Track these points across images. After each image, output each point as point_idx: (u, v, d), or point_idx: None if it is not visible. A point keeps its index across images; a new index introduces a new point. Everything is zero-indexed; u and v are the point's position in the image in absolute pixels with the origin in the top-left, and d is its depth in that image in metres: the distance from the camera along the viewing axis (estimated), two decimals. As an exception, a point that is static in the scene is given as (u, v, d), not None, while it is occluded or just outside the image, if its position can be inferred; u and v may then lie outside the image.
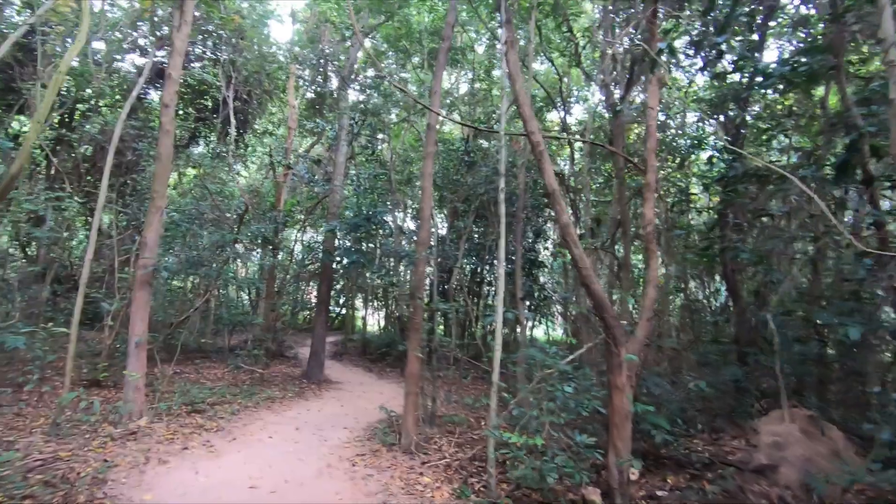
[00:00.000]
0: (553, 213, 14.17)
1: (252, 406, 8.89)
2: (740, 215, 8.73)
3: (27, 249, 15.14)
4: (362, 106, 13.25)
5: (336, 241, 12.18)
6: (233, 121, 12.22)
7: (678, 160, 10.15)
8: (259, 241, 14.69)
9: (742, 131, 9.62)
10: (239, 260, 14.88)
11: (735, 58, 7.78)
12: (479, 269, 16.20)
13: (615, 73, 8.65)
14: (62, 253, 16.14)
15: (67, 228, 16.51)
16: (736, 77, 9.19)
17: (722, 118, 9.95)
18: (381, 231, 12.24)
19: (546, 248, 16.24)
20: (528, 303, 14.94)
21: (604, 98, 8.86)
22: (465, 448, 6.80)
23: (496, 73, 15.49)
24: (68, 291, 13.40)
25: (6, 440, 6.29)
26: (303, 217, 16.83)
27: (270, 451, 6.61)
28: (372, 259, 11.78)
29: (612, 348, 4.64)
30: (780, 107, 9.57)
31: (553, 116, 16.55)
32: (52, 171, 16.11)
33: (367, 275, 17.24)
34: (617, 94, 9.37)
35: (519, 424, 4.96)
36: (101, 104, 16.88)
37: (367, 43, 16.43)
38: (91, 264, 7.29)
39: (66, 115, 15.75)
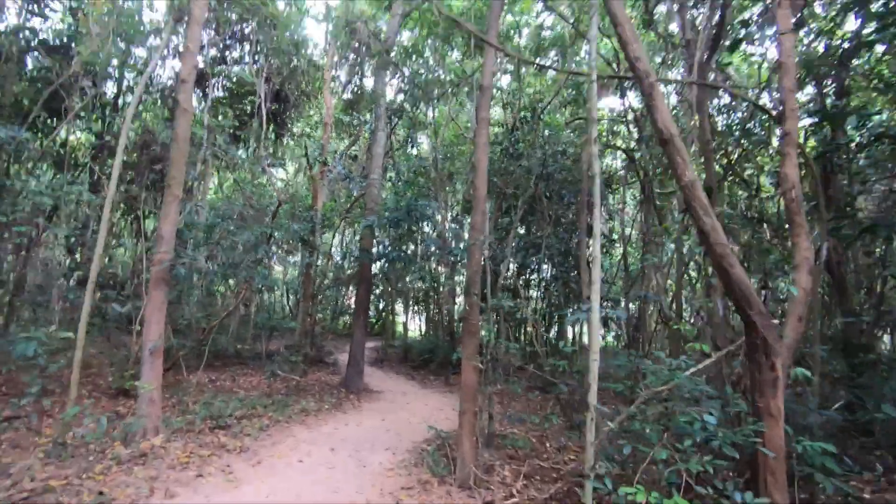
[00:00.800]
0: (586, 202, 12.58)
1: (284, 420, 7.77)
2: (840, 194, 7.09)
3: (75, 256, 14.78)
4: (403, 91, 12.12)
5: (374, 240, 11.05)
6: (264, 112, 11.23)
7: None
8: (296, 242, 13.78)
9: (842, 100, 7.91)
10: (275, 261, 14.01)
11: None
12: (524, 269, 14.74)
13: (698, 31, 7.14)
14: (107, 259, 15.77)
15: (113, 234, 16.06)
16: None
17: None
18: (422, 227, 11.02)
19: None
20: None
21: (685, 59, 7.34)
22: (535, 481, 5.41)
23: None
24: (115, 296, 12.79)
25: (4, 461, 5.36)
26: (340, 219, 15.82)
27: (300, 478, 5.42)
28: (412, 259, 10.54)
29: (760, 358, 3.20)
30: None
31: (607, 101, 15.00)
32: (95, 178, 15.72)
33: (408, 278, 16.07)
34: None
35: (625, 463, 3.55)
36: (141, 109, 16.49)
37: (405, 34, 15.41)
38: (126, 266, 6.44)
39: (108, 121, 15.35)
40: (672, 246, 12.89)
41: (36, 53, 13.41)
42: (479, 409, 5.84)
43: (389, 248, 10.21)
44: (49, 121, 13.85)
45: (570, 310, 13.02)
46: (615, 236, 14.70)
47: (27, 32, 14.49)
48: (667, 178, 11.82)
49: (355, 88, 18.83)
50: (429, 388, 11.97)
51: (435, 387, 12.26)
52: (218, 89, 19.40)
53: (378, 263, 10.43)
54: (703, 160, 6.39)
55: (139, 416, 6.02)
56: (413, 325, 26.64)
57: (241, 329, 16.53)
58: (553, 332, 17.17)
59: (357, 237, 18.29)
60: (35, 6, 14.42)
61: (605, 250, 14.02)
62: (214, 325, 10.99)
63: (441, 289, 16.88)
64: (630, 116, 11.85)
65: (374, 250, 10.79)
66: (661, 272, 9.05)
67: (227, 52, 18.57)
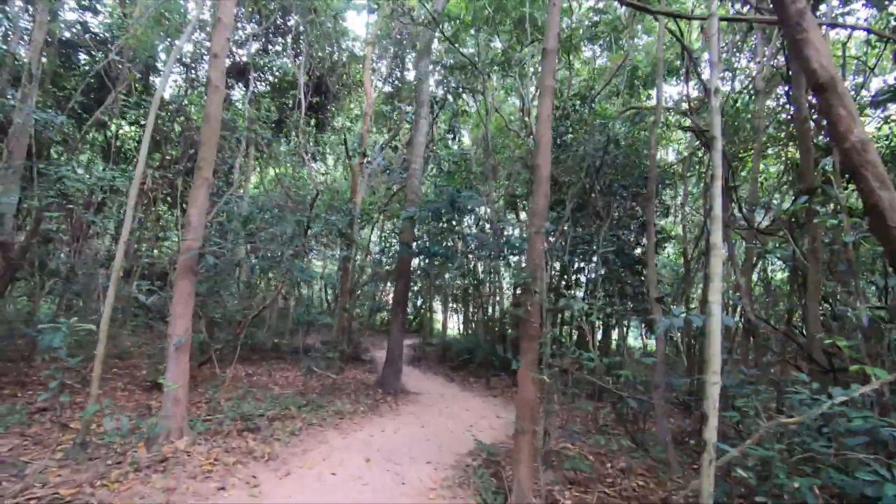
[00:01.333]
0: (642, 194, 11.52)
1: (317, 423, 7.16)
2: None
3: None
4: (445, 79, 11.35)
5: (415, 233, 10.34)
6: (303, 104, 10.72)
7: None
8: (335, 235, 13.27)
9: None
10: (313, 254, 13.56)
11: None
12: (570, 268, 13.72)
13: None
14: (157, 252, 15.80)
15: (161, 226, 16.03)
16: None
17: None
18: (464, 221, 10.23)
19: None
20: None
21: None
22: (604, 515, 4.54)
23: None
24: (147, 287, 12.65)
25: (22, 460, 4.94)
26: (379, 214, 15.22)
27: (330, 495, 4.74)
28: (454, 254, 9.77)
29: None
30: None
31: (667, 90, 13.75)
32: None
33: (447, 275, 15.32)
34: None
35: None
36: (186, 104, 16.42)
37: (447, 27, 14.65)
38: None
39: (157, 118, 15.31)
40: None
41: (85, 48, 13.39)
42: (538, 429, 5.01)
43: (430, 243, 9.46)
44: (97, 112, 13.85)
45: (627, 313, 11.94)
46: (673, 233, 13.46)
47: (79, 26, 14.56)
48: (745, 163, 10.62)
49: (396, 81, 18.25)
50: (469, 391, 11.19)
51: (475, 390, 11.46)
52: (261, 83, 19.23)
53: (417, 259, 9.70)
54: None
55: (164, 417, 5.50)
56: (450, 323, 25.96)
57: (279, 323, 16.25)
58: (602, 337, 16.08)
59: (396, 231, 17.70)
60: (87, 0, 14.49)
61: (660, 248, 12.82)
62: (250, 319, 10.57)
63: (481, 286, 16.06)
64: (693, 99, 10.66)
65: (415, 245, 10.09)
66: (739, 271, 7.89)
67: (269, 45, 18.33)
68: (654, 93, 14.27)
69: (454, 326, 22.67)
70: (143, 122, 14.99)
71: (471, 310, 21.36)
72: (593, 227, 12.91)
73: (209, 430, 6.07)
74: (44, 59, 12.37)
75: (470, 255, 14.97)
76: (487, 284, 15.46)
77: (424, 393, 10.53)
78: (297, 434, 6.50)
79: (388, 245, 18.78)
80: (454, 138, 12.34)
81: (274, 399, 8.31)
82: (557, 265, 14.20)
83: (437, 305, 24.08)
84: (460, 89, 12.37)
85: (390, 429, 7.40)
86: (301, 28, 16.36)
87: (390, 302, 23.31)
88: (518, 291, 11.77)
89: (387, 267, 18.58)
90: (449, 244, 9.99)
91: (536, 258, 4.59)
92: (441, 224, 9.82)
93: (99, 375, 5.33)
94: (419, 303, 23.33)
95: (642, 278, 11.70)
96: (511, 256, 15.06)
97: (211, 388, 8.27)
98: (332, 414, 7.77)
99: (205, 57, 16.10)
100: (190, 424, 5.86)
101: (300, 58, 15.74)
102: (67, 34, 13.93)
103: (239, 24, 17.08)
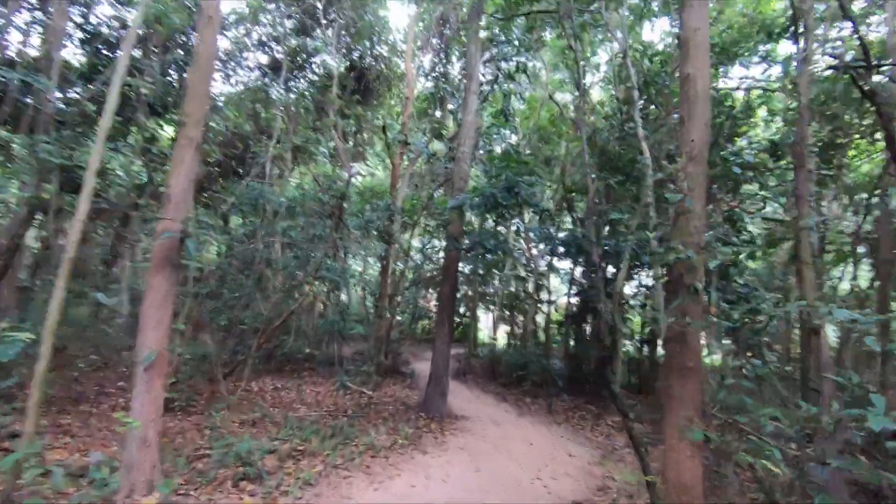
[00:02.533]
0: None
1: (342, 465, 5.36)
2: None
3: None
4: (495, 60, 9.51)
5: (464, 227, 8.48)
6: (333, 93, 9.23)
7: None
8: (372, 233, 11.62)
9: None
10: (350, 256, 11.95)
11: None
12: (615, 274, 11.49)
13: None
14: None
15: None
16: None
17: None
18: (524, 212, 8.29)
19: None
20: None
21: None
22: None
23: None
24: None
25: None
26: (422, 212, 13.45)
27: None
28: (510, 250, 7.81)
29: None
30: None
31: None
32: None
33: (496, 280, 13.37)
34: None
35: None
36: (223, 100, 15.35)
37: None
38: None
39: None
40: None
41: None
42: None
43: (481, 237, 7.56)
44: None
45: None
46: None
47: (116, 22, 13.61)
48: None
49: (439, 75, 16.57)
50: (527, 416, 9.15)
51: (534, 414, 9.40)
52: (299, 80, 17.96)
53: (468, 251, 7.81)
54: None
55: (126, 466, 3.84)
56: (493, 332, 23.89)
57: (317, 331, 14.76)
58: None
59: (441, 228, 15.91)
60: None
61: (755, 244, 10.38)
62: (273, 328, 9.00)
63: (538, 291, 14.00)
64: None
65: (465, 241, 8.22)
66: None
67: (308, 38, 17.06)
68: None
69: (498, 336, 20.54)
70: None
71: (517, 319, 19.27)
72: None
73: (192, 479, 4.38)
74: (83, 57, 11.50)
75: (525, 256, 12.96)
76: (542, 290, 13.38)
77: (474, 417, 8.58)
78: (313, 484, 4.72)
79: (431, 247, 17.03)
80: (507, 120, 10.42)
81: (294, 425, 6.61)
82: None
83: (480, 314, 22.09)
84: (516, 62, 10.44)
85: (437, 474, 5.50)
86: (341, 21, 15.01)
87: (432, 309, 21.55)
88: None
89: (428, 273, 16.85)
90: (503, 240, 8.05)
91: (693, 229, 2.61)
92: (495, 217, 7.92)
93: (37, 403, 3.72)
94: (462, 310, 21.48)
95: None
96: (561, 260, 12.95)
97: (217, 410, 6.64)
98: (363, 449, 5.95)
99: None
100: (169, 470, 4.18)
101: (340, 53, 14.35)
102: (105, 30, 13.04)
103: (277, 19, 15.88)
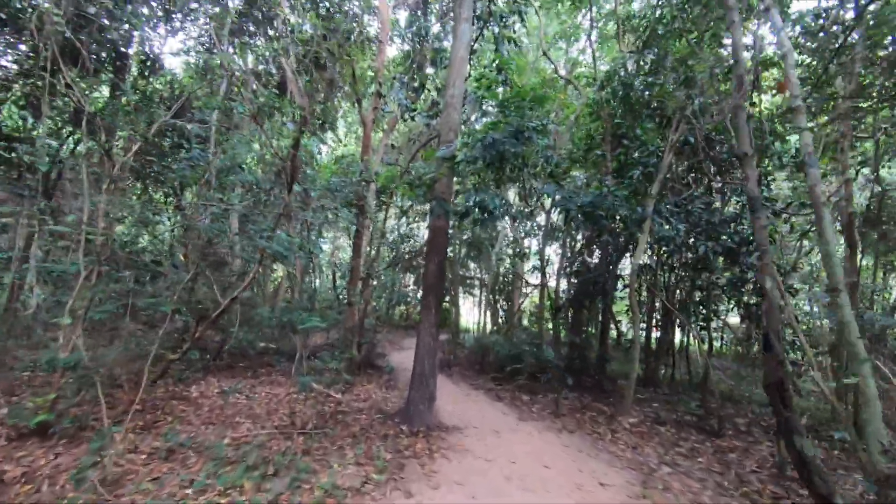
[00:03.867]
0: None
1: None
2: None
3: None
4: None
5: (455, 187, 6.47)
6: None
7: None
8: (341, 206, 9.50)
9: None
10: (313, 230, 9.81)
11: None
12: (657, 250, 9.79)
13: None
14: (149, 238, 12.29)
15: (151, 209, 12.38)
16: None
17: None
18: (527, 173, 6.34)
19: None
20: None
21: None
22: None
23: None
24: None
25: None
26: (400, 178, 11.33)
27: None
28: (516, 214, 5.83)
29: None
30: None
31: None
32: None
33: (493, 254, 11.53)
34: None
35: None
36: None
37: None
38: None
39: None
40: None
41: None
42: None
43: (475, 202, 5.57)
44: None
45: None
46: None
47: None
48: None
49: (417, 39, 14.30)
50: (530, 422, 7.32)
51: (539, 418, 7.59)
52: (258, 37, 15.36)
53: (462, 215, 5.79)
54: None
55: None
56: (472, 318, 22.11)
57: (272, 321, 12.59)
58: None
59: (417, 216, 13.82)
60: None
61: (785, 221, 8.73)
62: (213, 318, 6.85)
63: (523, 274, 12.21)
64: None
65: (458, 202, 6.23)
66: None
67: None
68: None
69: (482, 323, 18.74)
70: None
71: (501, 304, 17.48)
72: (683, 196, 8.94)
73: None
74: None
75: (514, 233, 11.09)
76: (533, 272, 11.54)
77: (468, 427, 6.70)
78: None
79: (409, 228, 14.95)
80: (499, 72, 8.40)
81: (225, 456, 4.57)
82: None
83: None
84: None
85: (428, 535, 3.58)
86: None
87: (410, 294, 19.54)
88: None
89: (406, 255, 14.82)
90: (507, 203, 6.07)
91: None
92: (495, 175, 5.94)
93: None
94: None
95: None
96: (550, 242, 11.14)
97: (110, 436, 4.53)
98: (320, 497, 3.98)
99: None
100: None
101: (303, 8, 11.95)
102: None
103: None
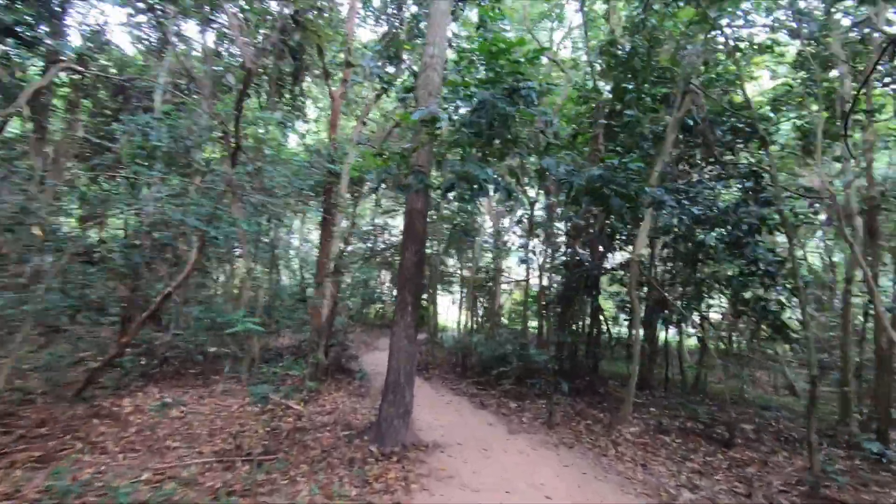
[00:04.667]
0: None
1: None
2: None
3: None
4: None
5: (435, 158, 5.38)
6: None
7: None
8: (305, 192, 8.29)
9: None
10: (273, 218, 8.56)
11: None
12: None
13: None
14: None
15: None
16: None
17: None
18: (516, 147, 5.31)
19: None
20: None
21: None
22: None
23: None
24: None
25: None
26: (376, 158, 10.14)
27: None
28: (513, 189, 4.76)
29: None
30: None
31: None
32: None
33: (476, 245, 10.52)
34: None
35: None
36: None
37: None
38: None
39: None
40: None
41: None
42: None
43: (463, 168, 4.42)
44: None
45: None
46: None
47: None
48: None
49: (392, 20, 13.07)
50: (521, 434, 6.31)
51: (529, 429, 6.59)
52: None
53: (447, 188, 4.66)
54: None
55: None
56: (451, 317, 21.05)
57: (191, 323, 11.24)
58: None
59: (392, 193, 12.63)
60: None
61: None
62: (142, 320, 5.58)
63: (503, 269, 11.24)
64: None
65: (442, 173, 5.15)
66: None
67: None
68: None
69: (456, 320, 17.66)
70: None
71: (481, 301, 16.46)
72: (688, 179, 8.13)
73: None
74: None
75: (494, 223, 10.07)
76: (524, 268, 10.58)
77: (451, 444, 5.64)
78: None
79: (386, 211, 13.73)
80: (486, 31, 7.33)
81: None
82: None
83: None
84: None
85: None
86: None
87: (384, 292, 18.33)
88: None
89: (381, 248, 13.64)
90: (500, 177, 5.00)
91: None
92: (484, 145, 4.89)
93: None
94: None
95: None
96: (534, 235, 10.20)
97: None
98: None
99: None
100: None
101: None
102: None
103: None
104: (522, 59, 4.71)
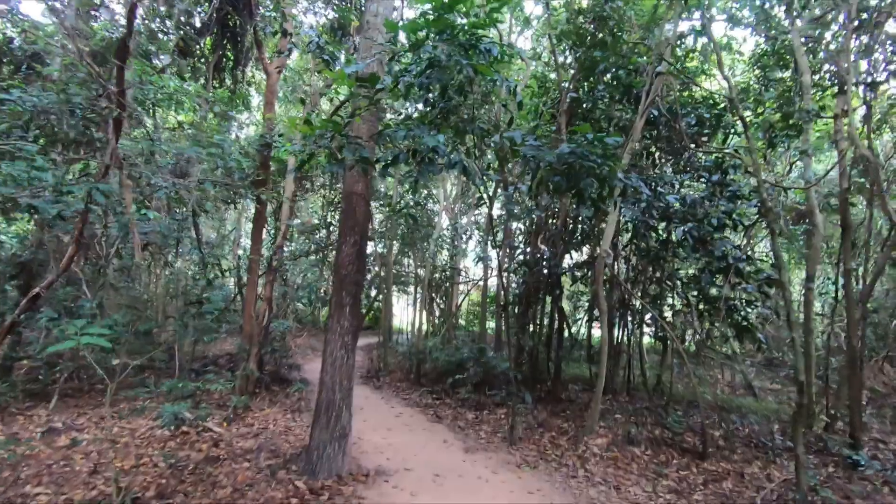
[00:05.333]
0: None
1: None
2: None
3: None
4: None
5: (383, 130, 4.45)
6: None
7: None
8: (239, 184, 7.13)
9: None
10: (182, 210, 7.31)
11: None
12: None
13: None
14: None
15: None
16: None
17: None
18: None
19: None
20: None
21: None
22: None
23: None
24: None
25: None
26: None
27: None
28: (471, 168, 3.93)
29: None
30: None
31: None
32: None
33: (431, 242, 9.71)
34: None
35: None
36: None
37: None
38: None
39: None
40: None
41: None
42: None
43: (412, 135, 3.52)
44: None
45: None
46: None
47: None
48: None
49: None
50: (480, 453, 5.51)
51: (489, 446, 5.80)
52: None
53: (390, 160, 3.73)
54: None
55: None
56: (406, 319, 20.10)
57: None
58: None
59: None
60: None
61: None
62: (6, 326, 4.33)
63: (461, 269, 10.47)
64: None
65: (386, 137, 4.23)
66: None
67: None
68: None
69: (416, 324, 16.79)
70: None
71: (437, 303, 15.64)
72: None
73: None
74: None
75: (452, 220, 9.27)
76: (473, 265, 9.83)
77: (399, 470, 4.75)
78: None
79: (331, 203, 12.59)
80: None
81: None
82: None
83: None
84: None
85: None
86: None
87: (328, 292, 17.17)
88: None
89: (323, 245, 12.53)
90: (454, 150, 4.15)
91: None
92: (436, 119, 4.04)
93: None
94: (374, 293, 17.51)
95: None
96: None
97: None
98: None
99: None
100: None
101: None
102: None
103: None
104: (481, 14, 3.92)
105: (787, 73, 9.13)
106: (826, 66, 8.16)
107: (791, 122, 8.09)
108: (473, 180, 3.98)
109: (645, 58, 7.01)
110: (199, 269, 8.91)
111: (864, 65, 6.80)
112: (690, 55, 8.89)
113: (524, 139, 3.82)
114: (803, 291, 7.56)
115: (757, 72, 9.88)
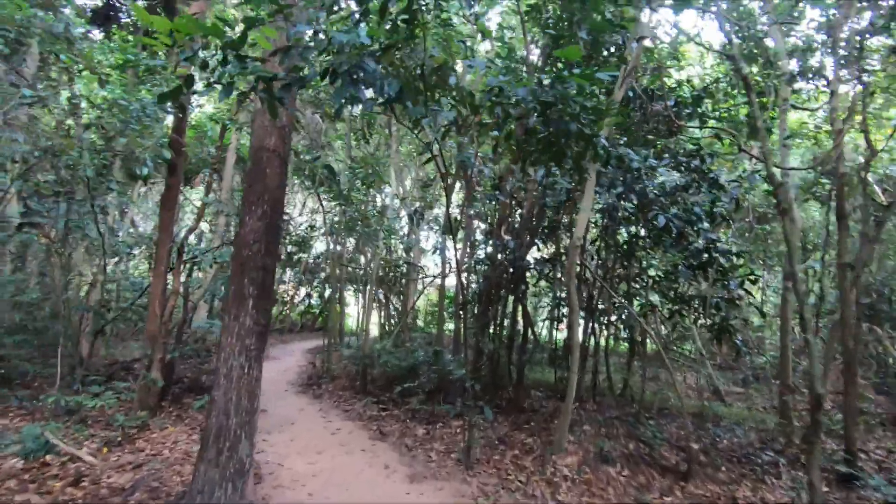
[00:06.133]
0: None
1: None
2: None
3: None
4: None
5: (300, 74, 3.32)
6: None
7: None
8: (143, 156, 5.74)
9: None
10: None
11: None
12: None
13: None
14: None
15: None
16: None
17: None
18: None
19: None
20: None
21: None
22: None
23: None
24: None
25: None
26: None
27: None
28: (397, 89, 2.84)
29: None
30: None
31: None
32: None
33: (381, 230, 8.56)
34: None
35: None
36: None
37: None
38: None
39: None
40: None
41: None
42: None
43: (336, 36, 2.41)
44: None
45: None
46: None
47: None
48: None
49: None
50: (429, 480, 4.45)
51: (441, 470, 4.74)
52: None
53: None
54: None
55: None
56: (364, 321, 18.76)
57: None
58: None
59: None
60: None
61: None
62: None
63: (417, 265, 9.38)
64: None
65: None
66: None
67: None
68: None
69: (370, 326, 15.48)
70: None
71: (391, 302, 14.47)
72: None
73: None
74: None
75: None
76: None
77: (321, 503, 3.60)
78: None
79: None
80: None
81: None
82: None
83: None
84: None
85: None
86: None
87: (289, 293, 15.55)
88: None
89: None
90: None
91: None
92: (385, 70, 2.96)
93: None
94: (321, 290, 16.21)
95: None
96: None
97: None
98: None
99: None
100: None
101: None
102: None
103: None
104: None
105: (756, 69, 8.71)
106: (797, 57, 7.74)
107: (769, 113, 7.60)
108: (420, 117, 2.89)
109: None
110: (100, 258, 7.36)
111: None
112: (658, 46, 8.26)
113: (489, 71, 2.80)
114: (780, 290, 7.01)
115: (728, 64, 9.44)
